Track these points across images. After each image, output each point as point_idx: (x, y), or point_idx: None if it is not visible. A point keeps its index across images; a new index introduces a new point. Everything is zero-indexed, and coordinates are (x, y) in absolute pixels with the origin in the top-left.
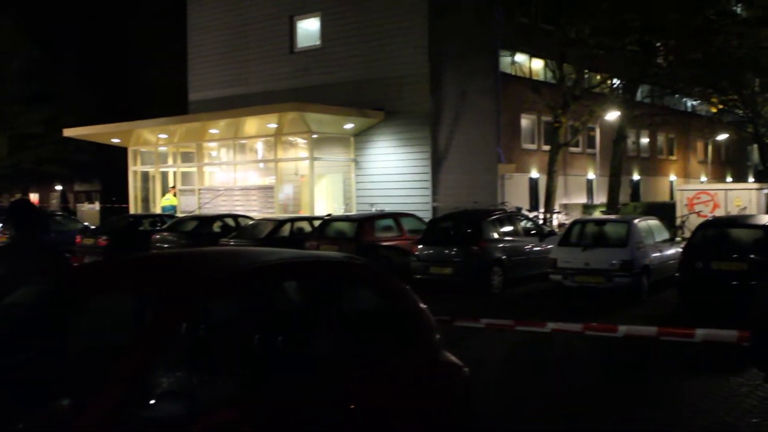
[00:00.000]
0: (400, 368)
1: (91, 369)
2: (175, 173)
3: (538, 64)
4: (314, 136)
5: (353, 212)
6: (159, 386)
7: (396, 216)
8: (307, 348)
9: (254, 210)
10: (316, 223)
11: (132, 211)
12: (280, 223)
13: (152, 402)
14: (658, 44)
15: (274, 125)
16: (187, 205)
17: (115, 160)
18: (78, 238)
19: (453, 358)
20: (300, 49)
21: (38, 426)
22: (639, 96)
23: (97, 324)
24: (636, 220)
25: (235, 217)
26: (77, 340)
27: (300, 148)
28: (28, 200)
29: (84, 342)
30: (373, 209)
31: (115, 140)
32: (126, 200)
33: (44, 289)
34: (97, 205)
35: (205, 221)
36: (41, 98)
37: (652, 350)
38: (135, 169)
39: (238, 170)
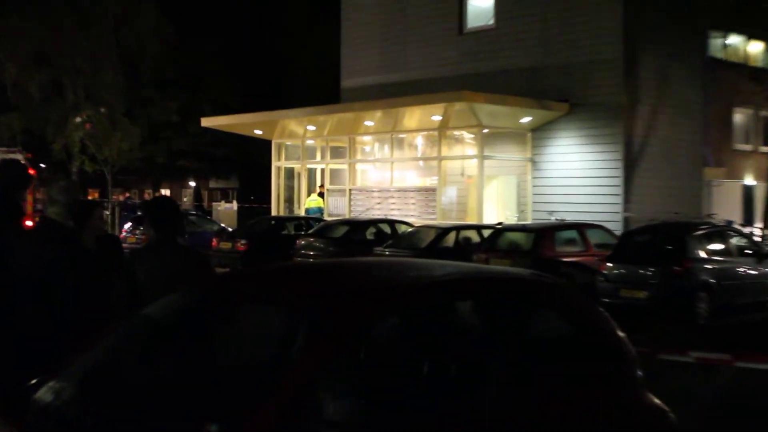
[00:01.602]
0: (592, 410)
1: (237, 392)
2: (323, 170)
3: (756, 47)
4: (485, 130)
5: (528, 221)
6: (317, 415)
7: (580, 227)
8: (483, 380)
9: (412, 215)
10: (485, 232)
11: (274, 212)
12: (443, 231)
13: None
14: None
15: (438, 117)
16: (335, 207)
17: (256, 154)
18: (214, 241)
19: (656, 400)
20: (470, 30)
21: None
22: None
23: (241, 340)
24: None
25: (391, 222)
26: (220, 358)
27: (467, 144)
28: (170, 198)
29: (227, 359)
30: (553, 218)
31: (258, 132)
32: (267, 200)
33: (189, 298)
34: (234, 205)
35: (356, 227)
36: (178, 85)
37: None
38: (278, 164)
39: (395, 168)
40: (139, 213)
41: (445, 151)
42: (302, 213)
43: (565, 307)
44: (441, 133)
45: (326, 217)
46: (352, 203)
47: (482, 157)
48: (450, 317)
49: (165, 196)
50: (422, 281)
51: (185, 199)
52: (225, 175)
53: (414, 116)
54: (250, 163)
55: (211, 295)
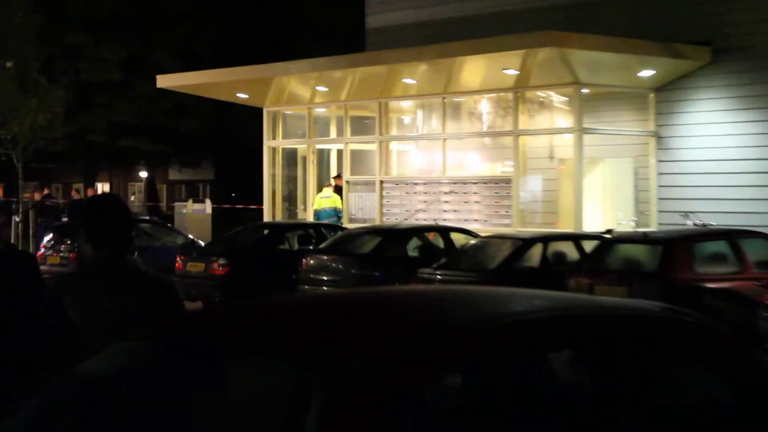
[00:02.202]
0: None
1: None
2: (340, 153)
3: None
4: (584, 90)
5: (652, 227)
6: None
7: (732, 236)
8: None
9: (476, 219)
10: (587, 245)
11: (267, 216)
12: (523, 244)
13: None
14: None
15: (512, 72)
16: (359, 208)
17: (240, 130)
18: (178, 262)
19: None
20: None
21: None
22: None
23: (226, 412)
24: None
25: (444, 231)
26: None
27: (558, 111)
28: (114, 196)
29: None
30: (690, 223)
31: (242, 96)
32: (256, 198)
33: (148, 349)
34: (207, 206)
35: (392, 238)
36: (122, 25)
37: None
38: (273, 144)
39: (450, 149)
40: (66, 219)
41: (524, 122)
42: (310, 217)
43: (716, 359)
44: (517, 96)
45: (345, 224)
46: (384, 202)
47: (581, 131)
48: (538, 375)
49: (107, 194)
50: (496, 322)
51: (132, 198)
52: (193, 161)
53: (476, 71)
54: (230, 142)
55: (180, 344)
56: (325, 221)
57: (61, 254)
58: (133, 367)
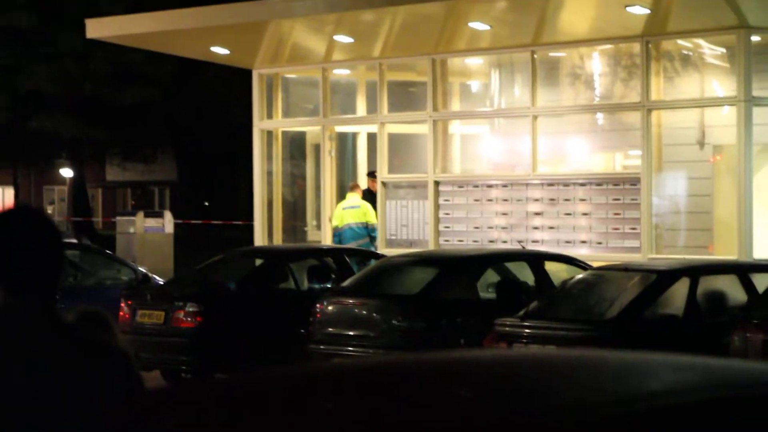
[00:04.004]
0: None
1: None
2: (373, 138)
3: None
4: (754, 39)
5: None
6: None
7: None
8: None
9: (582, 240)
10: (761, 280)
11: (260, 237)
12: (659, 278)
13: None
14: None
15: (639, 10)
16: (402, 222)
17: (216, 105)
18: (123, 309)
19: None
20: None
21: None
22: None
23: None
24: None
25: (533, 259)
26: None
27: (712, 72)
28: (35, 210)
29: None
30: None
31: (219, 50)
32: (243, 209)
33: None
34: (167, 222)
35: (453, 271)
36: None
37: None
38: (268, 125)
39: (541, 133)
40: None
41: (658, 89)
42: (327, 239)
43: None
44: (648, 47)
45: (381, 249)
46: (441, 215)
47: (748, 102)
48: None
49: (23, 207)
50: (623, 409)
51: (50, 210)
52: (144, 152)
53: (584, 8)
54: (201, 124)
55: None
56: (351, 244)
57: None
58: None
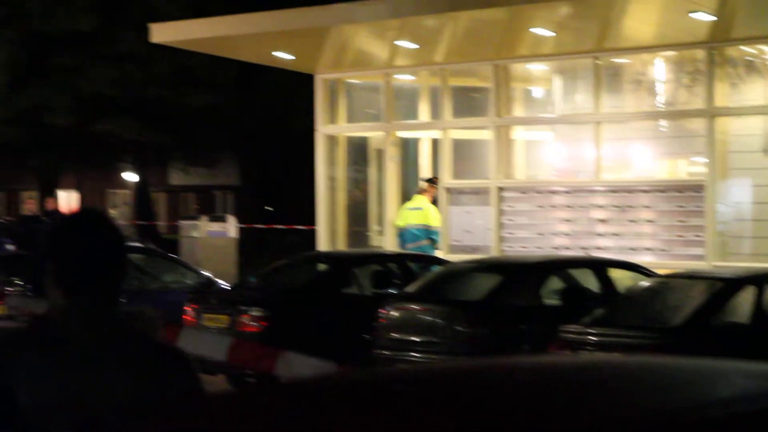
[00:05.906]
0: None
1: None
2: (437, 144)
3: None
4: None
5: None
6: None
7: None
8: None
9: (647, 248)
10: None
11: (323, 242)
12: (725, 286)
13: None
14: None
15: (704, 16)
16: (467, 227)
17: (279, 110)
18: (188, 313)
19: None
20: None
21: None
22: None
23: None
24: None
25: (598, 266)
26: None
27: None
28: (100, 213)
29: None
30: None
31: (282, 55)
32: (306, 213)
33: None
34: (231, 226)
35: (517, 277)
36: None
37: None
38: (331, 131)
39: (605, 140)
40: (13, 247)
41: (723, 95)
42: (390, 244)
43: None
44: (713, 53)
45: (445, 255)
46: (504, 221)
47: None
48: None
49: (89, 210)
50: (696, 416)
51: (113, 214)
52: (207, 156)
53: (648, 14)
54: (264, 128)
55: None
56: (410, 246)
57: (10, 305)
58: None
